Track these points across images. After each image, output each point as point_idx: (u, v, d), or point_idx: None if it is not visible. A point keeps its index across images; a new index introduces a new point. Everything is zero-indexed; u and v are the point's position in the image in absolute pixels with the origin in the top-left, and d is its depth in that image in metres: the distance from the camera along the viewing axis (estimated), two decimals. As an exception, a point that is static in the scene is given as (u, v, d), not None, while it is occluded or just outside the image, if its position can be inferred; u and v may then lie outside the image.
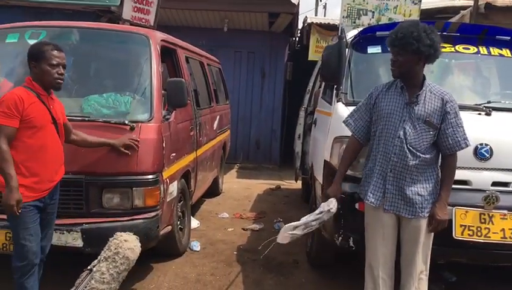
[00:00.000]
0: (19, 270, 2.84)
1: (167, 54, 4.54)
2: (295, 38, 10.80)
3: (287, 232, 2.99)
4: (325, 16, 17.29)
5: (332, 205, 2.92)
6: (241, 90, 9.69)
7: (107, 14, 7.98)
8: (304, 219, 2.98)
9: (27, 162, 2.79)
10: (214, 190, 6.79)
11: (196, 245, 4.65)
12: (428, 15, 7.93)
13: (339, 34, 3.56)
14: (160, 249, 4.12)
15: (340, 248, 3.31)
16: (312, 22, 9.03)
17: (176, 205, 4.16)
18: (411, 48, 2.58)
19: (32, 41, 3.92)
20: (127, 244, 3.17)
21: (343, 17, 7.26)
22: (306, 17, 9.45)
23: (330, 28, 8.84)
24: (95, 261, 3.17)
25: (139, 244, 3.26)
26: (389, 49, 2.74)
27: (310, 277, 4.08)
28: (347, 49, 3.74)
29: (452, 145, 2.68)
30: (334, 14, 23.98)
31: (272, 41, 9.62)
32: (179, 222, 4.33)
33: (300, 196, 7.02)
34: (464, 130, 2.69)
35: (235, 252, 4.62)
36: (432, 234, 2.78)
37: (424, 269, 2.78)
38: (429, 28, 2.63)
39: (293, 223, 2.99)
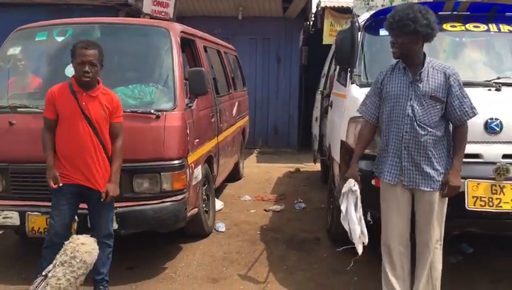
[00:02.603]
0: (45, 240, 3.25)
1: (186, 45, 4.73)
2: (309, 23, 10.87)
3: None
4: (338, -2, 17.17)
5: (351, 184, 3.06)
6: (257, 76, 9.84)
7: (124, 8, 8.21)
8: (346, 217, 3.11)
9: (59, 146, 3.18)
10: (235, 175, 7.00)
11: (221, 226, 4.89)
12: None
13: (352, 18, 3.69)
14: (187, 230, 4.38)
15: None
16: (325, 6, 9.09)
17: (201, 189, 4.38)
18: (408, 29, 2.71)
19: (60, 39, 4.18)
20: (84, 248, 3.05)
21: (356, -1, 7.34)
22: (319, 1, 9.51)
23: (344, 11, 8.90)
24: (50, 266, 3.05)
25: (97, 247, 3.15)
26: (387, 32, 2.87)
27: (330, 253, 4.28)
28: (360, 32, 3.89)
29: (461, 116, 2.80)
30: (347, -4, 23.65)
31: (287, 26, 9.74)
32: (204, 205, 4.55)
33: (319, 177, 7.18)
34: (470, 100, 2.80)
35: (258, 232, 4.84)
36: (445, 205, 2.92)
37: (439, 238, 2.92)
38: (424, 8, 2.75)
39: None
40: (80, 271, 3.03)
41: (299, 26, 9.93)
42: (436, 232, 2.90)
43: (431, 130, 2.79)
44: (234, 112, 6.39)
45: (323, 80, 6.42)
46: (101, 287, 3.33)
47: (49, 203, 3.45)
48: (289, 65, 9.83)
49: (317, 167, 7.34)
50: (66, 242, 3.10)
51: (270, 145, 9.97)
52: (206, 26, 7.90)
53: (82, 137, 3.13)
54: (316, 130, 6.31)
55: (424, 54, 2.85)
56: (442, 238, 2.95)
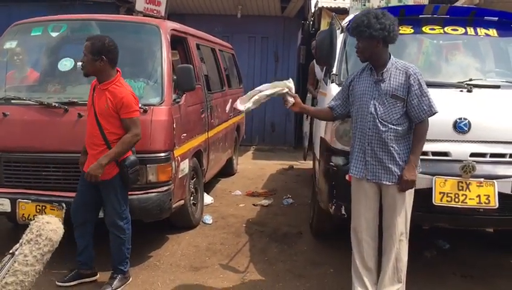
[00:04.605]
0: None
1: (178, 42, 4.88)
2: (309, 22, 11.00)
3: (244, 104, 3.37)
4: (335, -1, 17.22)
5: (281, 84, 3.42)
6: (255, 74, 9.98)
7: (125, 4, 8.37)
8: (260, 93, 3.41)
9: None
10: (228, 170, 7.16)
11: (208, 219, 5.04)
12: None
13: (331, 19, 3.83)
14: (175, 221, 4.56)
15: (335, 217, 3.63)
16: (323, 6, 9.22)
17: (188, 182, 4.52)
18: (364, 35, 2.89)
19: (54, 34, 4.34)
20: (50, 226, 3.17)
21: (353, 0, 7.46)
22: (317, 1, 9.63)
23: (341, 12, 8.99)
24: (17, 245, 3.13)
25: (62, 226, 3.27)
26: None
27: (311, 246, 4.43)
28: (343, 33, 4.03)
29: (419, 114, 2.93)
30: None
31: (285, 25, 9.88)
32: (191, 198, 4.71)
33: (311, 174, 7.31)
34: (428, 99, 2.92)
35: (244, 225, 5.00)
36: (411, 200, 3.05)
37: (404, 231, 3.05)
38: (381, 13, 2.90)
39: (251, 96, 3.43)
40: (46, 248, 3.14)
41: (298, 25, 10.07)
42: (401, 224, 3.03)
43: (392, 126, 2.94)
44: (228, 108, 6.52)
45: (314, 79, 6.54)
46: (114, 275, 3.53)
47: (40, 192, 3.69)
48: (287, 64, 9.98)
49: (310, 164, 7.47)
50: (31, 221, 3.25)
51: (267, 143, 10.11)
52: (205, 25, 8.07)
53: (91, 127, 3.36)
54: (306, 128, 6.45)
55: (390, 55, 3.00)
56: (408, 231, 3.08)
